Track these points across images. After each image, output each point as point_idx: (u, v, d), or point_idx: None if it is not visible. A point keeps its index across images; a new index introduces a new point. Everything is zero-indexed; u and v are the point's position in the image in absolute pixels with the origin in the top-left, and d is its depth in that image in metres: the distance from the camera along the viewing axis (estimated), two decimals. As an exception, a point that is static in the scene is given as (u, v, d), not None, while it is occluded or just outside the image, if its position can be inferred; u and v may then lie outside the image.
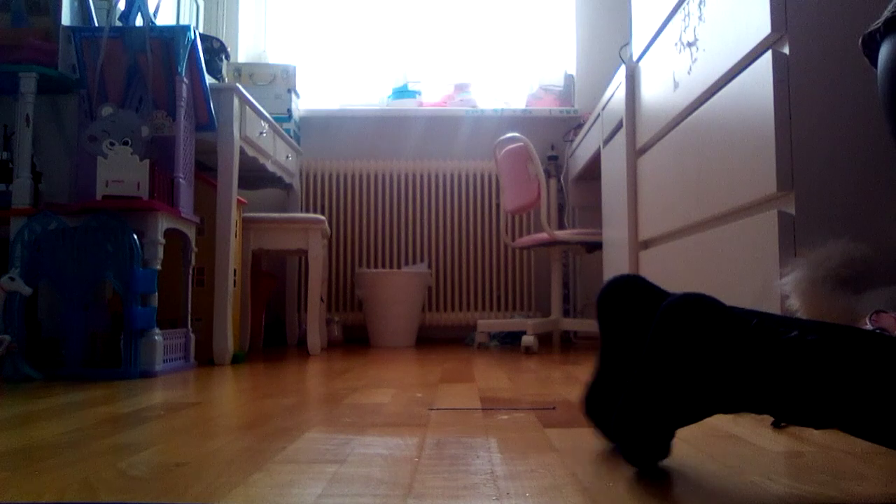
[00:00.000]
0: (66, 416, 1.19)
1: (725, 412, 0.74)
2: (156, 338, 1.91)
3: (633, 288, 0.86)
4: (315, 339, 2.75)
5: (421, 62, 3.91)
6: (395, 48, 3.92)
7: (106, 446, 0.93)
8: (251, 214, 2.77)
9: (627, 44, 2.50)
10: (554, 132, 3.71)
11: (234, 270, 2.40)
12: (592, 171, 3.16)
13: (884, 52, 0.79)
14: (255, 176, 3.13)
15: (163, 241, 1.98)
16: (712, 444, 0.94)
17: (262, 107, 2.86)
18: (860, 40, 0.84)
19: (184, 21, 3.07)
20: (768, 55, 1.30)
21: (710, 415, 0.74)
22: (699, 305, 0.73)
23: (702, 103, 1.66)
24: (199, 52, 2.15)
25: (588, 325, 2.99)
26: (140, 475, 0.76)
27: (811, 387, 0.68)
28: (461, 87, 3.78)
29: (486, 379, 1.77)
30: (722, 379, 0.71)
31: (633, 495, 0.68)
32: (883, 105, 0.79)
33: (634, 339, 0.85)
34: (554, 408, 1.27)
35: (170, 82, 2.13)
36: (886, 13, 0.78)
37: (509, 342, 3.35)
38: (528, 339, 2.79)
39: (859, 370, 0.67)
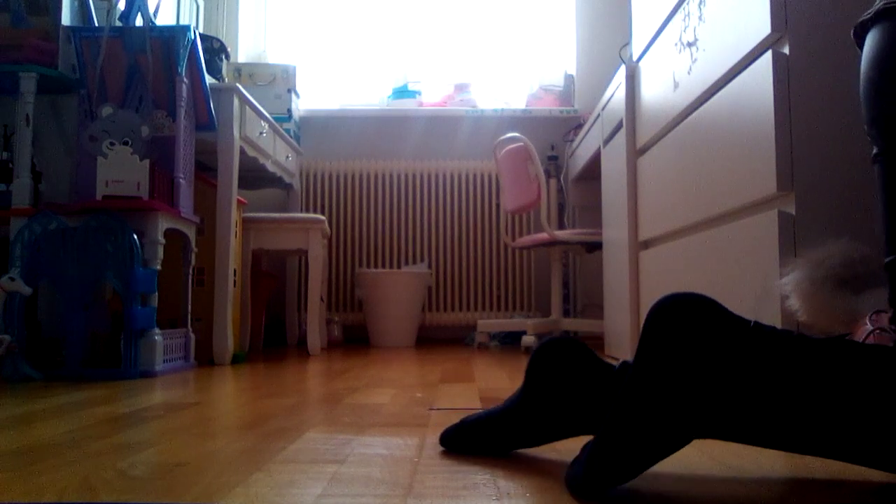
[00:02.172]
0: (66, 416, 1.19)
1: (720, 434, 0.69)
2: (156, 338, 1.91)
3: (570, 352, 0.83)
4: (315, 339, 2.75)
5: (421, 62, 3.91)
6: (395, 48, 3.92)
7: (106, 446, 0.93)
8: (251, 214, 2.77)
9: (627, 44, 2.50)
10: (554, 132, 3.71)
11: (234, 270, 2.39)
12: (592, 171, 3.16)
13: (869, 39, 0.79)
14: (255, 176, 3.13)
15: (163, 241, 1.98)
16: (712, 444, 0.94)
17: (262, 107, 2.85)
18: (853, 31, 0.84)
19: (184, 21, 3.07)
20: (768, 55, 1.30)
21: (703, 433, 0.69)
22: (693, 305, 0.68)
23: (702, 103, 1.66)
24: (199, 52, 2.15)
25: (588, 324, 2.99)
26: (140, 475, 0.76)
27: (815, 392, 0.66)
28: (461, 87, 3.78)
29: (486, 379, 1.77)
30: (720, 387, 0.66)
31: (633, 495, 0.68)
32: (863, 91, 0.79)
33: (557, 401, 0.82)
34: (554, 408, 1.27)
35: (170, 82, 2.13)
36: (882, 2, 0.78)
37: (509, 342, 3.35)
38: (528, 339, 2.79)
39: (865, 382, 0.65)
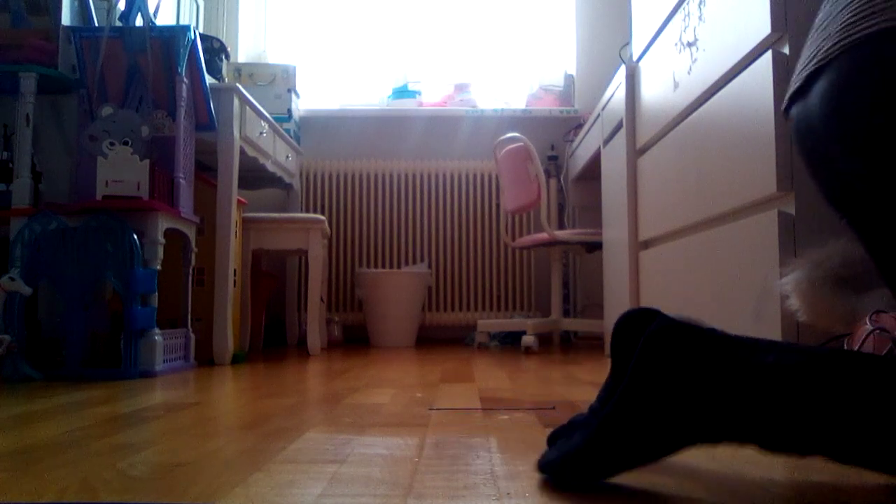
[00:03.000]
0: (66, 416, 1.19)
1: (708, 442, 0.70)
2: (156, 338, 1.91)
3: (647, 322, 0.84)
4: (315, 339, 2.75)
5: (421, 62, 3.91)
6: (395, 48, 3.92)
7: (106, 446, 0.93)
8: (251, 214, 2.77)
9: (627, 44, 2.50)
10: (554, 132, 3.71)
11: (234, 270, 2.39)
12: (592, 171, 3.16)
13: (797, 111, 0.77)
14: (255, 176, 3.13)
15: (163, 241, 1.98)
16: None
17: (262, 107, 2.85)
18: (783, 109, 0.83)
19: (184, 21, 3.07)
20: (768, 55, 1.30)
21: (690, 445, 0.70)
22: (681, 333, 0.70)
23: (702, 103, 1.66)
24: (199, 52, 2.15)
25: (588, 325, 2.99)
26: (140, 475, 0.76)
27: (791, 412, 0.66)
28: (461, 87, 3.78)
29: (486, 379, 1.77)
30: (706, 408, 0.68)
31: (633, 495, 0.68)
32: (807, 164, 0.78)
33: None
34: (554, 408, 1.27)
35: (170, 82, 2.13)
36: (803, 76, 0.75)
37: (509, 342, 3.35)
38: (528, 339, 2.79)
39: (842, 392, 0.65)
